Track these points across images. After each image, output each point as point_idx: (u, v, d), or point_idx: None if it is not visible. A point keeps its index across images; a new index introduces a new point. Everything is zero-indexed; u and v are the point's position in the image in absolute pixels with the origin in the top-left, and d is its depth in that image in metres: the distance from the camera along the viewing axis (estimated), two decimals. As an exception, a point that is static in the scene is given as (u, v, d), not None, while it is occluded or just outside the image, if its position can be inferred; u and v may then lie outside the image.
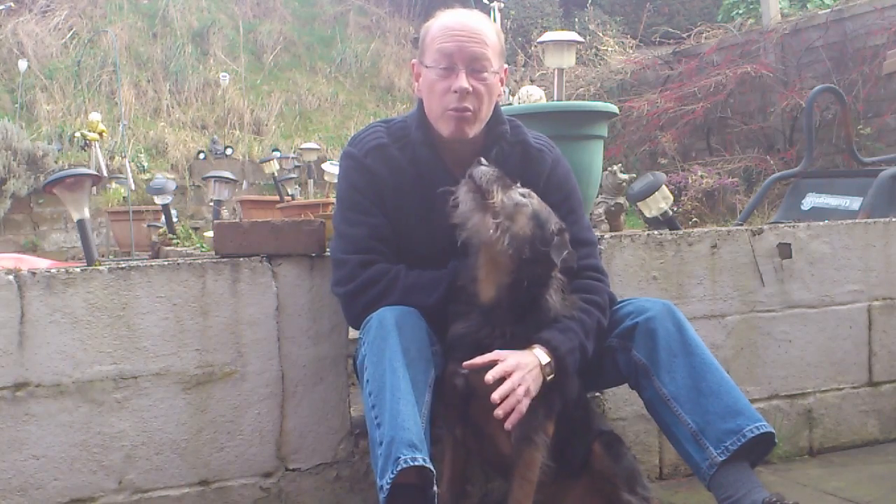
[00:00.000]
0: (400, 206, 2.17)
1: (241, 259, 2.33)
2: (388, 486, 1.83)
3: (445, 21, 2.15)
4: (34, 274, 2.16)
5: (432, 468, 1.85)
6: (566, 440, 2.10)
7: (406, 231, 2.17)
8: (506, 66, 2.24)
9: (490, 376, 1.90)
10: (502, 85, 2.21)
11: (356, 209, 2.16)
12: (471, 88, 2.09)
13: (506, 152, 2.21)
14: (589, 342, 2.06)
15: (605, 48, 9.57)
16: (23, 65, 10.52)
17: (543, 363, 1.97)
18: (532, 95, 4.01)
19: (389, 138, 2.20)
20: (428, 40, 2.16)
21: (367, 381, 1.96)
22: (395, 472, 1.81)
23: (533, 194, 2.06)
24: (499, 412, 1.91)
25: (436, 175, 2.16)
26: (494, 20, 9.46)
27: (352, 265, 2.11)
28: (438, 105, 2.12)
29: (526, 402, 1.93)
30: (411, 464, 1.81)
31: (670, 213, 3.30)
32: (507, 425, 1.92)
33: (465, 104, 2.09)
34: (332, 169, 6.48)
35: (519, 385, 1.91)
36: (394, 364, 1.92)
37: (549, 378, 1.98)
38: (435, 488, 1.86)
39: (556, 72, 3.64)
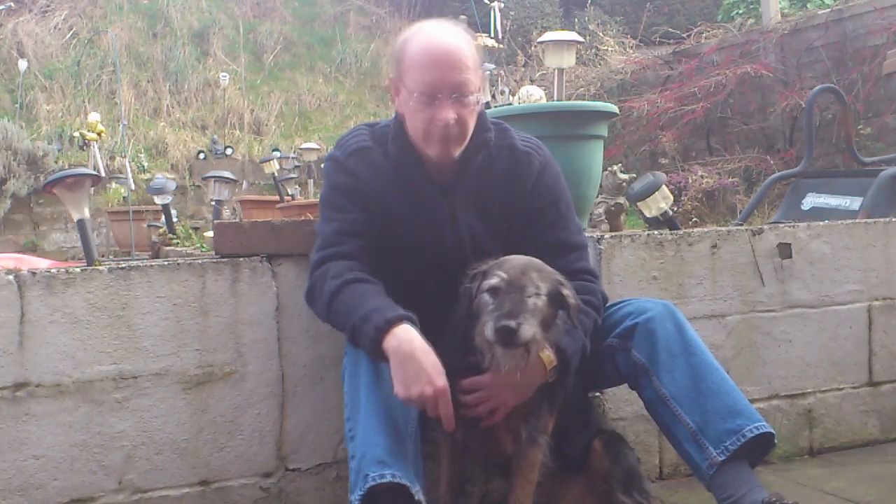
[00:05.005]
0: (385, 208, 2.12)
1: (241, 259, 2.33)
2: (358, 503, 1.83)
3: (423, 44, 2.03)
4: (34, 274, 2.16)
5: (407, 482, 1.83)
6: (562, 435, 2.11)
7: (392, 234, 2.13)
8: (487, 71, 2.16)
9: (469, 398, 1.98)
10: (480, 91, 2.12)
11: (333, 207, 2.11)
12: (456, 117, 2.02)
13: (493, 157, 2.16)
14: (588, 342, 2.07)
15: (605, 48, 9.56)
16: (23, 65, 10.53)
17: (549, 367, 1.98)
18: (532, 95, 4.01)
19: (373, 142, 2.15)
20: (406, 62, 2.06)
21: (346, 392, 1.97)
22: (364, 488, 1.82)
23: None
24: (477, 411, 1.99)
25: (418, 183, 2.13)
26: (494, 20, 9.48)
27: (311, 264, 2.08)
28: (422, 130, 2.06)
29: (502, 412, 1.99)
30: (379, 481, 1.81)
31: (670, 213, 3.30)
32: (483, 424, 2.01)
33: (451, 132, 2.04)
34: (332, 169, 6.47)
35: (487, 401, 1.98)
36: (369, 377, 1.91)
37: (551, 379, 1.99)
38: (417, 498, 1.85)
39: (556, 72, 3.64)
